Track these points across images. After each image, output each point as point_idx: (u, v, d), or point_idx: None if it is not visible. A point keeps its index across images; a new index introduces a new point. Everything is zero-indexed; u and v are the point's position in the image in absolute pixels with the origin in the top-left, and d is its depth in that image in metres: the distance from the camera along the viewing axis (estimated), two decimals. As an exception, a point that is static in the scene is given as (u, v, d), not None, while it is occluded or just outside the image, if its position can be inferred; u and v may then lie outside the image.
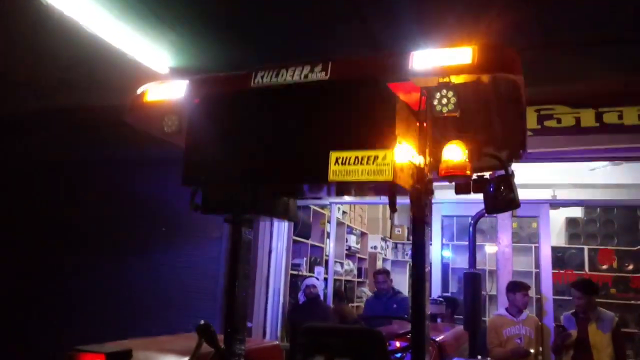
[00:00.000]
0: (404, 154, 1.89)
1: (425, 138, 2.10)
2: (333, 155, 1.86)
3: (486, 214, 3.06)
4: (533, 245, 9.45)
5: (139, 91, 2.39)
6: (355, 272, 9.70)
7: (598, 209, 9.89)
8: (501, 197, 2.75)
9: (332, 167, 1.85)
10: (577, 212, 10.06)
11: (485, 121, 2.25)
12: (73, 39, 4.26)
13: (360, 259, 10.20)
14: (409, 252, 11.79)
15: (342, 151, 1.85)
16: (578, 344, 5.05)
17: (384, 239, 11.23)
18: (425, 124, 2.09)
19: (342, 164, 1.84)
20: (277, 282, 6.74)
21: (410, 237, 7.39)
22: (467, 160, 2.09)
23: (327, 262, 8.08)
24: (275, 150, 2.00)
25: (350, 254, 9.61)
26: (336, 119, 1.93)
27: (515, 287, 5.47)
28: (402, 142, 1.88)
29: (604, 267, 9.76)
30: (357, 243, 9.85)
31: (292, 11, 3.83)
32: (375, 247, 10.67)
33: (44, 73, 5.13)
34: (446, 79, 1.88)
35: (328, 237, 8.20)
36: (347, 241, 9.28)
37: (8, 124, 6.35)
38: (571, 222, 10.14)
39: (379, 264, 11.01)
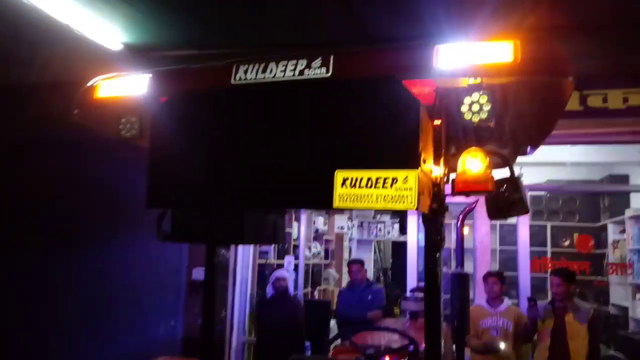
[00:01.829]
0: (424, 171, 1.55)
1: (442, 147, 1.76)
2: (339, 175, 1.49)
3: (490, 219, 2.77)
4: (497, 223, 9.41)
5: (89, 84, 1.92)
6: (323, 254, 9.45)
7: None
8: (506, 201, 2.47)
9: (339, 190, 1.48)
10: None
11: (505, 124, 1.92)
12: (9, 10, 3.67)
13: (327, 241, 9.95)
14: (374, 231, 11.66)
15: (351, 170, 1.48)
16: (555, 333, 4.96)
17: (349, 218, 11.00)
18: (441, 129, 1.74)
19: (351, 186, 1.48)
20: (244, 272, 6.37)
21: (377, 216, 7.19)
22: (490, 172, 1.76)
23: (295, 247, 7.77)
24: (264, 165, 1.61)
25: (317, 237, 9.33)
26: (342, 128, 1.55)
27: (486, 276, 5.33)
28: (424, 157, 1.53)
29: (566, 243, 9.86)
30: (324, 225, 9.57)
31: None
32: (342, 228, 10.43)
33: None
34: (477, 80, 1.53)
35: (296, 220, 7.86)
36: (314, 223, 8.97)
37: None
38: (535, 199, 10.16)
39: (346, 245, 10.82)
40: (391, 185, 1.44)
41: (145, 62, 4.17)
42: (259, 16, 3.65)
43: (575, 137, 5.26)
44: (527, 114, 1.72)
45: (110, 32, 4.00)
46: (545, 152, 7.80)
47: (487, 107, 1.51)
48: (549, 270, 7.28)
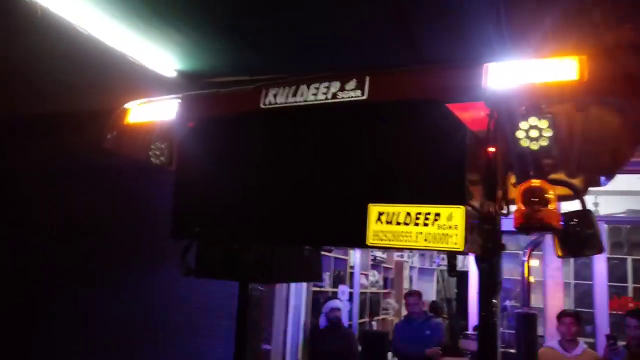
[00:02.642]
0: (474, 206, 1.34)
1: (496, 178, 1.54)
2: (373, 209, 1.31)
3: (559, 257, 2.48)
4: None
5: (121, 109, 1.87)
6: (381, 283, 9.14)
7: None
8: (577, 237, 2.18)
9: (373, 227, 1.31)
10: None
11: (571, 152, 1.67)
12: (75, 43, 3.83)
13: (386, 269, 9.63)
14: (437, 260, 11.20)
15: (387, 204, 1.30)
16: None
17: (410, 246, 10.64)
18: (494, 158, 1.53)
19: (387, 223, 1.29)
20: (297, 300, 6.21)
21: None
22: (554, 206, 1.52)
23: (351, 274, 7.55)
24: (293, 196, 1.46)
25: (376, 264, 9.05)
26: (378, 157, 1.38)
27: (560, 315, 4.86)
28: (474, 190, 1.32)
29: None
30: (383, 252, 9.28)
31: (313, 14, 3.25)
32: (401, 256, 10.08)
33: (48, 77, 4.72)
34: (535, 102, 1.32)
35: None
36: (372, 251, 8.72)
37: (8, 125, 5.97)
38: (614, 230, 9.39)
39: (406, 273, 10.45)
40: (433, 223, 1.25)
41: (198, 88, 4.21)
42: (309, 40, 3.57)
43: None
44: (597, 140, 1.47)
45: (164, 60, 4.06)
46: (623, 180, 7.21)
47: (548, 133, 1.30)
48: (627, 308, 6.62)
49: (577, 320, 4.83)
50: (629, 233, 8.76)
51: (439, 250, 1.25)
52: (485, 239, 1.47)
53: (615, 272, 8.60)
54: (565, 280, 8.40)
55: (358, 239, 1.31)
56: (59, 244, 6.34)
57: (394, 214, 1.29)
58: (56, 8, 3.35)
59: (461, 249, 1.22)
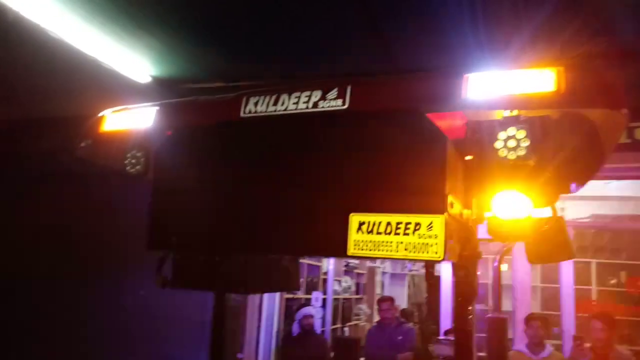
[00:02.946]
0: (453, 215, 1.36)
1: (473, 187, 1.57)
2: (354, 218, 1.32)
3: (531, 263, 2.54)
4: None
5: (97, 117, 1.83)
6: (354, 288, 9.17)
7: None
8: (548, 244, 2.23)
9: (353, 236, 1.31)
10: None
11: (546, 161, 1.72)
12: (46, 48, 3.73)
13: (359, 274, 9.67)
14: (408, 266, 11.30)
15: (368, 214, 1.31)
16: None
17: (382, 252, 10.70)
18: (472, 167, 1.56)
19: (368, 232, 1.30)
20: (270, 307, 6.17)
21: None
22: (529, 216, 1.56)
23: (324, 281, 7.55)
24: (273, 206, 1.45)
25: (348, 270, 9.07)
26: (359, 166, 1.38)
27: (528, 318, 4.97)
28: (453, 199, 1.34)
29: (613, 282, 9.28)
30: (340, 259, 9.32)
31: (295, 19, 3.25)
32: (374, 261, 10.13)
33: (17, 82, 4.57)
34: (513, 112, 1.35)
35: (326, 254, 7.66)
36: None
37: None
38: (579, 235, 9.64)
39: (378, 279, 10.52)
40: (414, 232, 1.26)
41: (173, 94, 4.15)
42: (288, 48, 3.56)
43: (622, 172, 4.92)
44: (572, 150, 1.51)
45: (138, 66, 3.99)
46: (589, 186, 7.40)
47: (525, 143, 1.33)
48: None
49: (544, 323, 4.94)
50: (593, 237, 9.03)
51: (419, 260, 1.25)
52: (462, 247, 1.50)
53: (581, 275, 8.83)
54: (532, 283, 8.59)
55: (339, 249, 1.31)
56: (28, 251, 6.15)
57: (374, 223, 1.30)
58: (27, 11, 3.26)
59: (441, 258, 1.23)
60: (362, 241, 1.30)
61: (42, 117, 5.08)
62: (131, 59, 3.89)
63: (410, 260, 1.25)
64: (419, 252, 1.25)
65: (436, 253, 1.23)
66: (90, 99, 4.12)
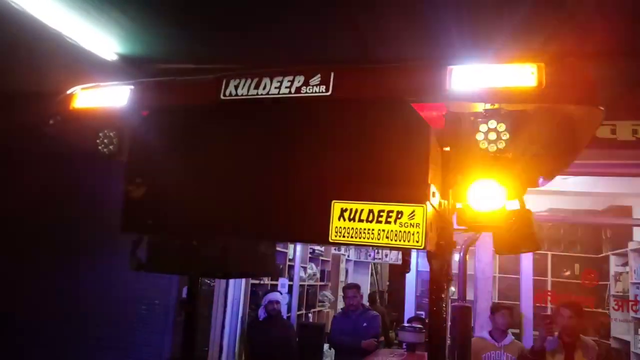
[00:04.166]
0: (433, 204, 1.37)
1: (451, 177, 1.59)
2: (337, 205, 1.32)
3: (498, 254, 2.59)
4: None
5: (66, 93, 1.76)
6: (319, 275, 9.22)
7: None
8: (515, 235, 2.29)
9: (335, 223, 1.31)
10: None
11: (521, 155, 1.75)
12: (7, 19, 3.54)
13: (324, 261, 9.72)
14: (372, 253, 11.43)
15: (350, 202, 1.31)
16: None
17: (347, 240, 10.78)
18: (450, 158, 1.58)
19: (350, 220, 1.30)
20: (236, 292, 6.14)
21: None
22: (502, 206, 1.59)
23: (290, 267, 7.55)
24: (253, 190, 1.43)
25: (314, 257, 9.11)
26: (341, 154, 1.38)
27: (495, 308, 5.11)
28: (433, 189, 1.35)
29: (567, 274, 9.63)
30: (321, 245, 9.35)
31: (272, 4, 3.19)
32: (339, 249, 10.20)
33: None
34: (494, 106, 1.36)
35: (292, 241, 7.66)
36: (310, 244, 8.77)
37: None
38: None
39: (342, 266, 10.60)
40: (395, 221, 1.27)
41: (140, 74, 4.01)
42: (261, 32, 3.50)
43: (581, 168, 5.08)
44: (548, 145, 1.55)
45: (104, 42, 3.85)
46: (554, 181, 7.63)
47: (505, 137, 1.35)
48: (550, 302, 7.04)
49: (511, 312, 5.10)
50: (549, 230, 9.34)
51: (400, 248, 1.26)
52: (439, 236, 1.52)
53: (537, 266, 9.13)
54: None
55: (321, 235, 1.31)
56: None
57: (356, 211, 1.30)
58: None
59: (422, 247, 1.25)
60: (344, 228, 1.30)
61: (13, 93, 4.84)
62: (97, 35, 3.75)
63: (391, 248, 1.26)
64: (400, 241, 1.26)
65: (417, 242, 1.25)
66: (53, 75, 3.97)
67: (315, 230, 1.33)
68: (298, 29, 3.35)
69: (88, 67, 3.95)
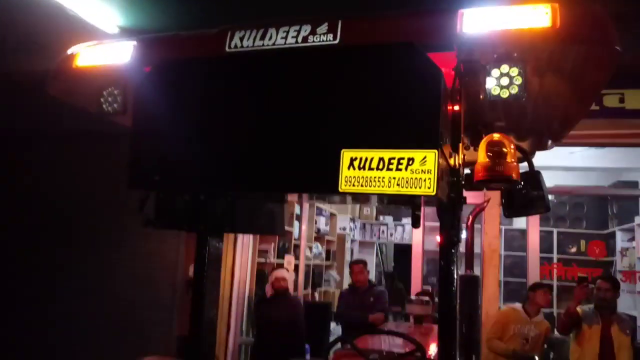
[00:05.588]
0: (444, 153, 1.35)
1: (461, 130, 1.56)
2: (346, 154, 1.29)
3: (507, 217, 2.58)
4: (503, 227, 9.15)
5: (68, 53, 1.73)
6: (324, 255, 9.23)
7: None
8: (524, 197, 2.27)
9: (345, 173, 1.28)
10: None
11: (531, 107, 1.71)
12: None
13: (329, 241, 9.73)
14: (377, 233, 11.43)
15: (360, 150, 1.28)
16: (603, 343, 4.73)
17: (352, 220, 10.78)
18: (461, 110, 1.54)
19: (360, 168, 1.28)
20: (242, 271, 6.17)
21: (379, 218, 7.00)
22: (514, 160, 1.56)
23: (296, 247, 7.56)
24: (261, 143, 1.41)
25: (319, 237, 9.11)
26: (351, 102, 1.35)
27: (535, 286, 5.16)
28: (444, 137, 1.33)
29: (573, 250, 9.61)
30: (326, 225, 9.35)
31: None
32: (344, 229, 10.20)
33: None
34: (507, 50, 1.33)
35: (297, 220, 7.65)
36: (316, 223, 8.76)
37: None
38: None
39: (347, 246, 10.60)
40: (406, 168, 1.24)
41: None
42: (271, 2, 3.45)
43: (589, 139, 5.04)
44: (549, 104, 1.51)
45: (105, 14, 3.80)
46: (553, 156, 7.56)
47: (518, 81, 1.31)
48: (555, 275, 6.99)
49: (550, 290, 5.15)
50: (554, 207, 9.28)
51: (411, 195, 1.24)
52: (449, 190, 1.49)
53: (543, 243, 9.11)
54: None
55: (330, 185, 1.29)
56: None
57: (366, 159, 1.28)
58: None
59: (433, 193, 1.22)
60: (354, 177, 1.27)
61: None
62: (98, 7, 3.70)
63: (403, 195, 1.23)
64: (411, 187, 1.23)
65: (429, 188, 1.22)
66: (53, 48, 3.93)
67: (324, 181, 1.31)
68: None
69: (89, 40, 3.91)
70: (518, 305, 5.10)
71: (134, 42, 1.59)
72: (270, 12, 3.43)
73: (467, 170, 1.76)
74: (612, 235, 8.53)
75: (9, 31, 4.25)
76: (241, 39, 1.47)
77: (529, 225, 6.16)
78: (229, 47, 1.47)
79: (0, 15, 3.87)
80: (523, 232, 7.93)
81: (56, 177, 5.96)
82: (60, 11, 3.65)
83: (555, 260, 8.98)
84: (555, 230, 9.37)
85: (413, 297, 4.82)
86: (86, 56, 1.67)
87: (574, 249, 9.44)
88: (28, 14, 3.80)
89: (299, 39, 1.41)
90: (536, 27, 1.24)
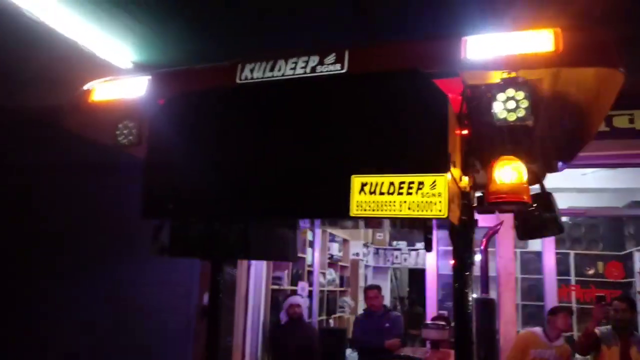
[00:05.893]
0: (454, 177, 1.36)
1: (470, 153, 1.58)
2: (356, 180, 1.31)
3: (520, 239, 2.56)
4: (519, 250, 9.05)
5: (84, 88, 1.79)
6: (338, 281, 9.17)
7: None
8: (537, 220, 2.26)
9: (356, 197, 1.30)
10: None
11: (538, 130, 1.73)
12: (23, 30, 3.62)
13: (342, 267, 9.68)
14: (390, 258, 11.35)
15: (370, 175, 1.30)
16: None
17: (365, 245, 10.73)
18: (469, 134, 1.57)
19: (371, 193, 1.30)
20: (256, 298, 6.14)
21: (392, 243, 6.96)
22: (525, 182, 1.57)
23: (309, 273, 7.54)
24: (273, 171, 1.44)
25: (332, 263, 9.08)
26: (360, 128, 1.38)
27: (556, 310, 5.05)
28: (454, 159, 1.34)
29: (590, 272, 9.44)
30: (339, 251, 9.32)
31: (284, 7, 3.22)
32: (357, 254, 10.16)
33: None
34: (512, 74, 1.35)
35: (310, 246, 7.64)
36: (329, 249, 8.74)
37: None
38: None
39: (361, 272, 10.53)
40: (417, 191, 1.26)
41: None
42: (271, 29, 3.54)
43: (600, 160, 5.02)
44: (567, 115, 1.53)
45: (120, 51, 3.91)
46: (566, 178, 7.52)
47: (524, 104, 1.33)
48: (574, 298, 6.84)
49: (571, 314, 5.05)
50: (569, 229, 9.18)
51: (423, 218, 1.25)
52: (461, 211, 1.50)
53: (559, 265, 8.97)
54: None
55: (342, 210, 1.30)
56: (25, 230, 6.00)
57: (377, 184, 1.30)
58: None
59: (445, 215, 1.23)
60: (365, 202, 1.29)
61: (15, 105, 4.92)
62: (112, 44, 3.82)
63: (414, 218, 1.24)
64: (422, 211, 1.25)
65: (440, 211, 1.23)
66: (69, 84, 4.04)
67: (336, 206, 1.33)
68: (313, 26, 3.38)
69: (102, 75, 4.02)
70: (538, 329, 5.01)
71: (149, 77, 1.65)
72: (279, 44, 3.55)
73: (478, 193, 1.77)
74: (630, 256, 8.40)
75: (24, 66, 4.38)
76: (251, 71, 1.51)
77: (545, 247, 6.09)
78: (240, 78, 1.52)
79: (17, 50, 3.99)
80: (539, 255, 7.84)
81: (70, 207, 6.02)
82: (75, 48, 3.76)
83: (572, 282, 8.84)
84: (572, 252, 9.25)
85: (429, 322, 4.76)
86: (102, 91, 1.72)
87: (591, 271, 9.28)
88: (44, 49, 3.92)
89: (308, 70, 1.45)
90: (539, 51, 1.27)
